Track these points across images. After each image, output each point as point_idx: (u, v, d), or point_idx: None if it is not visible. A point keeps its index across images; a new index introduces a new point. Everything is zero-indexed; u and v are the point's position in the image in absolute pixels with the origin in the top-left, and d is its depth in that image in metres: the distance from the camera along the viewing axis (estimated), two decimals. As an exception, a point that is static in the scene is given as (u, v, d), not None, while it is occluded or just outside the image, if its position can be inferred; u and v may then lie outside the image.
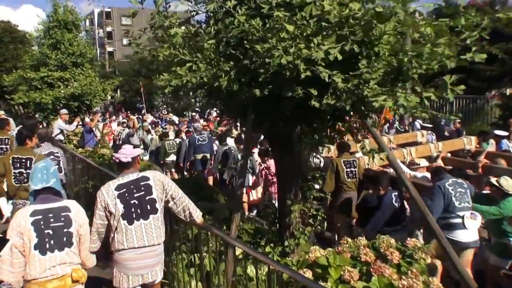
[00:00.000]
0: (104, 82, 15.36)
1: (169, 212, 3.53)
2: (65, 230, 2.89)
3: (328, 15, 2.77)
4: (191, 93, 4.48)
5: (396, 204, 5.28)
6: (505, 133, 9.50)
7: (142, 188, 3.16)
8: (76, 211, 3.02)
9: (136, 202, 3.12)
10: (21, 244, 2.78)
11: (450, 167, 7.01)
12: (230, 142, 10.09)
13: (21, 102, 14.02)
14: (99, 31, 40.70)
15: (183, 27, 3.84)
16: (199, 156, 10.31)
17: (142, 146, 12.62)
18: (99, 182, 6.64)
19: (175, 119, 20.13)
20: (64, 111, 11.60)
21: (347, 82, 2.80)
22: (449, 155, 8.75)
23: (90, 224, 3.22)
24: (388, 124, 12.66)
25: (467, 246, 4.90)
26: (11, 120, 9.63)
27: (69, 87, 13.91)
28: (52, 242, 2.84)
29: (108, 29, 43.33)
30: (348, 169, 6.20)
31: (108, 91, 15.16)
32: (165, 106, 31.58)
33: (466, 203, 4.92)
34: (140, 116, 22.09)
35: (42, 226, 2.82)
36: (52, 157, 5.34)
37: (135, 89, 28.56)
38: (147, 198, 3.15)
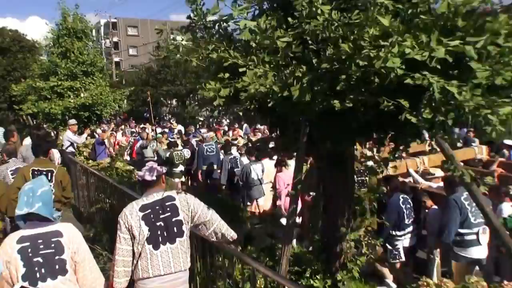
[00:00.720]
0: (114, 92, 14.84)
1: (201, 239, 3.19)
2: (56, 257, 2.60)
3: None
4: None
5: (403, 206, 5.21)
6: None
7: (168, 209, 2.89)
8: (70, 235, 2.70)
9: (162, 224, 2.85)
10: (7, 274, 2.48)
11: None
12: (234, 151, 10.06)
13: (30, 112, 13.51)
14: (106, 41, 40.48)
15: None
16: (205, 167, 9.99)
17: (156, 158, 12.09)
18: (118, 201, 6.05)
19: (181, 128, 19.66)
20: (72, 121, 11.03)
21: (460, 92, 2.22)
22: (461, 164, 8.12)
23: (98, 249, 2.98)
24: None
25: (479, 263, 4.85)
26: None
27: (79, 96, 13.40)
28: (43, 270, 2.53)
29: (114, 39, 43.12)
30: (359, 178, 5.81)
31: (118, 100, 14.63)
32: (169, 116, 31.12)
33: (480, 218, 4.65)
34: (148, 126, 21.55)
35: (30, 254, 2.53)
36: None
37: (141, 98, 28.08)
38: (173, 219, 2.89)
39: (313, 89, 2.65)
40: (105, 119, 15.51)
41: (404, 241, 5.35)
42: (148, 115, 30.18)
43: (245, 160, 9.11)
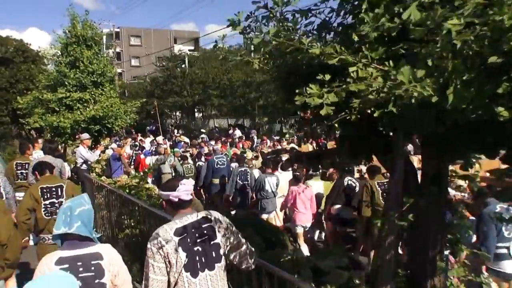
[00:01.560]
0: (125, 104, 14.09)
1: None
2: (96, 281, 2.52)
3: None
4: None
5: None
6: None
7: (205, 232, 2.64)
8: (110, 258, 2.62)
9: (200, 249, 2.60)
10: None
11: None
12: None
13: (37, 126, 12.72)
14: (108, 52, 39.33)
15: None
16: (217, 180, 9.65)
17: (173, 174, 11.31)
18: (150, 226, 5.32)
19: (187, 140, 19.00)
20: (85, 136, 10.22)
21: None
22: (487, 174, 7.97)
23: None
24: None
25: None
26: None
27: (88, 109, 12.65)
28: None
29: (117, 49, 42.22)
30: (383, 191, 5.92)
31: (129, 113, 13.87)
32: (174, 128, 30.45)
33: None
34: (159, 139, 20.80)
35: None
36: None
37: (145, 111, 27.34)
38: (211, 243, 2.65)
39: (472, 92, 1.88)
40: (117, 132, 14.75)
41: None
42: (153, 127, 29.51)
43: (255, 173, 8.93)
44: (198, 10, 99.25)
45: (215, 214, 2.75)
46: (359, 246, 6.68)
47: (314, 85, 2.52)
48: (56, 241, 2.61)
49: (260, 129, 23.92)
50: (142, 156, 14.06)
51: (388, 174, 4.72)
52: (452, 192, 6.53)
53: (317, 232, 7.48)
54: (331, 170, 7.79)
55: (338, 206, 6.52)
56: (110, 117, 12.78)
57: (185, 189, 2.61)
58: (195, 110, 30.27)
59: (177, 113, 34.01)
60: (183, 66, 28.88)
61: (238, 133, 22.79)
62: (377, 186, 6.01)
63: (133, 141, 17.37)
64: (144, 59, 41.73)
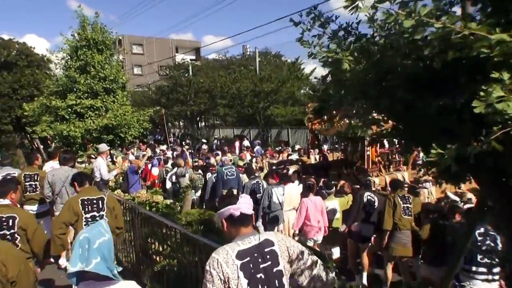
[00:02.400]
0: (137, 112, 13.26)
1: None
2: None
3: None
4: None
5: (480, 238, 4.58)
6: None
7: (268, 257, 2.37)
8: None
9: (263, 277, 2.33)
10: None
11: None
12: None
13: (45, 135, 11.82)
14: (119, 57, 38.42)
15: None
16: (224, 192, 9.07)
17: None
18: (188, 255, 4.38)
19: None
20: (104, 147, 9.33)
21: None
22: None
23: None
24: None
25: None
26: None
27: (101, 117, 11.80)
28: None
29: (120, 57, 41.28)
30: (404, 205, 5.85)
31: (142, 122, 13.02)
32: (177, 138, 29.60)
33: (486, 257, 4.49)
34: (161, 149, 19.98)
35: None
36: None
37: (150, 119, 26.43)
38: (274, 270, 2.37)
39: None
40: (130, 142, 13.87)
41: (475, 280, 4.61)
42: (159, 137, 28.65)
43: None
44: (196, 22, 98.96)
45: (279, 237, 2.49)
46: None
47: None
48: (71, 280, 2.26)
49: (269, 139, 23.20)
50: (149, 166, 13.33)
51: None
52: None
53: (338, 249, 7.12)
54: (341, 182, 7.68)
55: (358, 223, 6.34)
56: (123, 126, 11.94)
57: (246, 202, 2.41)
58: (200, 119, 29.46)
59: (181, 123, 33.24)
60: (186, 75, 28.22)
61: (246, 143, 22.08)
62: (399, 200, 5.86)
63: (140, 151, 16.54)
64: (146, 67, 41.05)
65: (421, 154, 11.57)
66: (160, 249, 5.39)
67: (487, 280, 4.53)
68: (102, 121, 11.56)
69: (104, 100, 12.11)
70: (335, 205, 7.06)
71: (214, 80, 23.62)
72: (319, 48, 2.31)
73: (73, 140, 11.39)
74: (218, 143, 24.42)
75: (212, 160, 13.98)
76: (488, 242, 4.58)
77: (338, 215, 6.91)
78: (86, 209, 4.28)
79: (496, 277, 4.52)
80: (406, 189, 7.02)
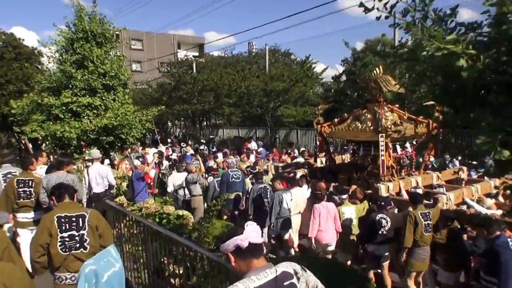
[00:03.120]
0: (139, 111, 11.99)
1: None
2: None
3: None
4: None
5: None
6: None
7: None
8: None
9: None
10: None
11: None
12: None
13: (35, 136, 10.51)
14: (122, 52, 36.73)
15: None
16: (232, 195, 8.80)
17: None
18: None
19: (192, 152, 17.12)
20: (96, 153, 8.04)
21: None
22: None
23: None
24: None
25: None
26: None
27: (99, 117, 10.54)
28: None
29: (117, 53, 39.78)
30: (425, 222, 5.74)
31: (145, 122, 11.75)
32: (175, 137, 28.29)
33: None
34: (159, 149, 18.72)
35: None
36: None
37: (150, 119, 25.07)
38: None
39: None
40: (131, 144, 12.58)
41: None
42: (158, 136, 27.33)
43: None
44: (197, 19, 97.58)
45: (295, 267, 2.16)
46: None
47: None
48: None
49: (277, 140, 22.04)
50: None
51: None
52: (480, 209, 6.48)
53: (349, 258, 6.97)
54: (353, 187, 7.52)
55: (372, 244, 6.24)
56: (124, 127, 10.67)
57: (254, 229, 2.06)
58: (203, 119, 28.16)
59: (182, 122, 31.96)
60: (189, 72, 26.93)
61: (253, 145, 20.93)
62: (420, 217, 5.73)
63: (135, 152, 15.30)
64: (146, 64, 39.77)
65: (432, 158, 11.27)
66: (180, 271, 4.36)
67: None
68: (101, 121, 10.29)
69: (103, 98, 10.84)
70: (352, 212, 6.85)
71: (221, 78, 22.31)
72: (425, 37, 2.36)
73: (67, 141, 10.11)
74: (217, 144, 23.24)
75: (211, 163, 13.29)
76: None
77: (355, 222, 6.71)
78: (63, 228, 3.83)
79: None
80: (421, 193, 7.16)
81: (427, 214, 5.80)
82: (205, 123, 28.94)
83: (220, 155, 16.71)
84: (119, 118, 10.38)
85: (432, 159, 11.44)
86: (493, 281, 4.55)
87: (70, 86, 10.61)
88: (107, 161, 11.05)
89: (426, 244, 5.73)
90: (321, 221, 6.53)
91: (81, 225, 3.90)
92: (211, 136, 23.58)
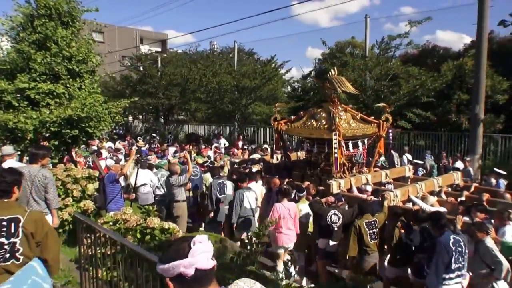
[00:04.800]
0: (109, 102, 10.18)
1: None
2: None
3: None
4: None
5: (453, 248, 4.54)
6: (503, 172, 9.17)
7: None
8: None
9: None
10: None
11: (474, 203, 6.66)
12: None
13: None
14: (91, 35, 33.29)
15: None
16: (191, 193, 8.56)
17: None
18: None
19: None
20: (9, 149, 6.47)
21: None
22: (449, 189, 8.49)
23: None
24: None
25: None
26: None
27: (63, 107, 8.65)
28: None
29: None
30: (371, 231, 5.74)
31: (114, 115, 9.95)
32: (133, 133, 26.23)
33: (460, 263, 4.62)
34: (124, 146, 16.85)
35: None
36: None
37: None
38: None
39: None
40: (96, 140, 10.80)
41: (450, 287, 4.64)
42: (121, 131, 25.10)
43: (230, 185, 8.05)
44: (156, 16, 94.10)
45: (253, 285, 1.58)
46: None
47: None
48: None
49: (246, 138, 20.77)
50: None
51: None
52: (424, 206, 6.44)
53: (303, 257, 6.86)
54: (306, 183, 7.52)
55: (323, 240, 6.25)
56: (91, 119, 8.86)
57: (204, 249, 1.47)
58: (168, 114, 26.24)
59: (144, 116, 29.81)
60: (155, 66, 25.05)
61: (223, 141, 19.54)
62: (365, 226, 5.76)
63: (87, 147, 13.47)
64: (107, 57, 36.97)
65: (382, 158, 11.59)
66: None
67: (457, 283, 4.61)
68: (64, 111, 8.42)
69: (67, 85, 8.95)
70: (308, 209, 6.67)
71: (190, 71, 20.60)
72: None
73: (21, 134, 8.17)
74: (171, 137, 21.72)
75: (169, 157, 12.69)
76: (459, 249, 4.57)
77: (311, 219, 6.56)
78: None
79: (461, 278, 4.66)
80: (370, 192, 7.35)
81: (372, 222, 5.81)
82: (169, 119, 27.05)
83: (172, 149, 15.59)
84: (87, 109, 8.56)
85: (382, 158, 11.65)
86: (445, 277, 4.57)
87: (28, 70, 8.64)
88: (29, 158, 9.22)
89: (375, 251, 5.75)
90: (282, 222, 6.20)
91: (12, 231, 3.08)
92: (153, 134, 21.62)
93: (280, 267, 6.12)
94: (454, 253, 4.51)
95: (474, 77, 11.61)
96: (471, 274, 5.02)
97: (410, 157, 12.75)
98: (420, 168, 10.48)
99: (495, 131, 12.92)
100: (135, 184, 8.00)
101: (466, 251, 4.67)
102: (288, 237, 6.29)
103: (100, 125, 9.24)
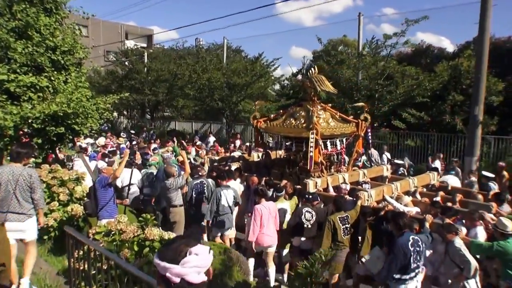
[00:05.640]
0: (97, 97, 9.30)
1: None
2: None
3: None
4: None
5: (411, 249, 4.49)
6: (492, 175, 8.99)
7: None
8: None
9: None
10: None
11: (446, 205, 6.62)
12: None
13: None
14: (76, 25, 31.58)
15: None
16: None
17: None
18: None
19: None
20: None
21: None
22: (424, 190, 8.39)
23: None
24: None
25: None
26: None
27: (47, 101, 7.75)
28: None
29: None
30: (344, 226, 5.77)
31: (103, 111, 9.08)
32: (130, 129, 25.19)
33: (418, 262, 4.59)
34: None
35: None
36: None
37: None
38: None
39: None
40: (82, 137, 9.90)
41: (407, 285, 4.58)
42: (106, 127, 23.95)
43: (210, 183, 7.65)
44: (140, 11, 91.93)
45: None
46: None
47: None
48: None
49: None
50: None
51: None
52: (398, 206, 6.43)
53: (286, 250, 6.65)
54: (284, 182, 7.40)
55: (297, 238, 6.25)
56: (78, 116, 7.99)
57: (197, 263, 1.40)
58: (155, 110, 25.24)
59: (129, 112, 28.67)
60: (141, 61, 24.02)
61: (212, 139, 18.79)
62: (339, 222, 5.78)
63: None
64: (91, 51, 35.55)
65: (364, 157, 11.64)
66: None
67: (414, 280, 4.59)
68: (48, 106, 7.54)
69: (52, 78, 8.05)
70: (287, 208, 6.67)
71: (179, 67, 19.68)
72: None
73: (0, 131, 7.26)
74: (153, 133, 20.86)
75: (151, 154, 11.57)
76: (417, 248, 4.54)
77: (288, 217, 6.51)
78: None
79: (419, 276, 4.66)
80: (347, 191, 7.22)
81: (345, 218, 5.83)
82: (155, 115, 26.06)
83: (153, 146, 14.97)
84: (73, 105, 7.70)
85: (364, 157, 11.63)
86: (402, 278, 4.56)
87: (7, 60, 7.72)
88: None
89: (346, 246, 5.75)
90: (263, 223, 6.05)
91: None
92: (131, 131, 20.59)
93: (270, 267, 6.20)
94: (412, 253, 4.48)
95: (474, 78, 11.11)
96: (442, 272, 5.18)
97: (389, 155, 12.53)
98: (401, 168, 10.20)
99: (488, 133, 12.56)
100: (129, 183, 7.22)
101: (425, 249, 4.72)
102: (269, 238, 6.14)
103: (87, 121, 8.38)
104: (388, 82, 13.59)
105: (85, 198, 6.48)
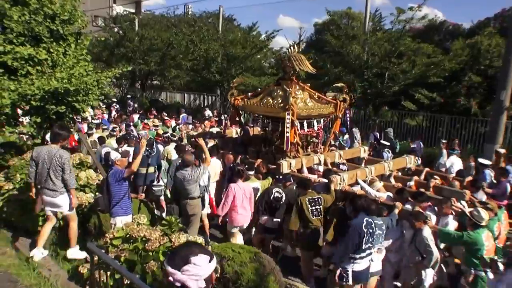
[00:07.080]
0: (97, 70, 8.76)
1: None
2: None
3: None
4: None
5: (365, 230, 4.73)
6: (489, 162, 8.90)
7: None
8: None
9: None
10: None
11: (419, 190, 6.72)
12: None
13: None
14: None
15: None
16: (143, 170, 7.73)
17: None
18: None
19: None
20: None
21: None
22: (399, 174, 8.34)
23: None
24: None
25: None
26: None
27: (46, 76, 7.23)
28: None
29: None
30: (313, 207, 5.86)
31: (104, 86, 8.57)
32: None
33: (370, 243, 4.81)
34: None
35: None
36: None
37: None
38: None
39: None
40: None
41: (355, 265, 4.82)
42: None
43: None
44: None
45: None
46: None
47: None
48: None
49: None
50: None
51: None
52: (370, 190, 6.54)
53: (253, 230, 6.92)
54: (258, 161, 7.55)
55: (265, 217, 6.30)
56: (79, 92, 7.51)
57: (196, 273, 1.54)
58: (146, 80, 24.52)
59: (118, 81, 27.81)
60: (131, 28, 23.04)
61: (208, 113, 18.48)
62: (307, 203, 5.84)
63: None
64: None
65: (345, 137, 11.81)
66: None
67: (366, 259, 4.84)
68: (48, 82, 7.01)
69: (50, 50, 7.49)
70: (258, 186, 6.73)
71: (175, 35, 18.94)
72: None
73: (-5, 110, 6.76)
74: (135, 105, 20.35)
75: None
76: (370, 230, 4.73)
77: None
78: None
79: (371, 255, 4.89)
80: (321, 172, 7.34)
81: (316, 199, 5.89)
82: (146, 85, 25.36)
83: (135, 116, 14.76)
84: (75, 80, 7.20)
85: (345, 136, 11.82)
86: (353, 256, 4.79)
87: (2, 29, 7.11)
88: None
89: (318, 226, 5.83)
90: (237, 203, 6.23)
91: None
92: (113, 99, 19.87)
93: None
94: (365, 235, 4.67)
95: (503, 59, 10.70)
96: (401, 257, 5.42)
97: (377, 135, 12.48)
98: (386, 149, 10.22)
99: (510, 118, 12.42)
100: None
101: (378, 231, 4.87)
102: (243, 217, 6.33)
103: (88, 98, 7.90)
104: (402, 60, 13.24)
105: (89, 183, 6.17)
